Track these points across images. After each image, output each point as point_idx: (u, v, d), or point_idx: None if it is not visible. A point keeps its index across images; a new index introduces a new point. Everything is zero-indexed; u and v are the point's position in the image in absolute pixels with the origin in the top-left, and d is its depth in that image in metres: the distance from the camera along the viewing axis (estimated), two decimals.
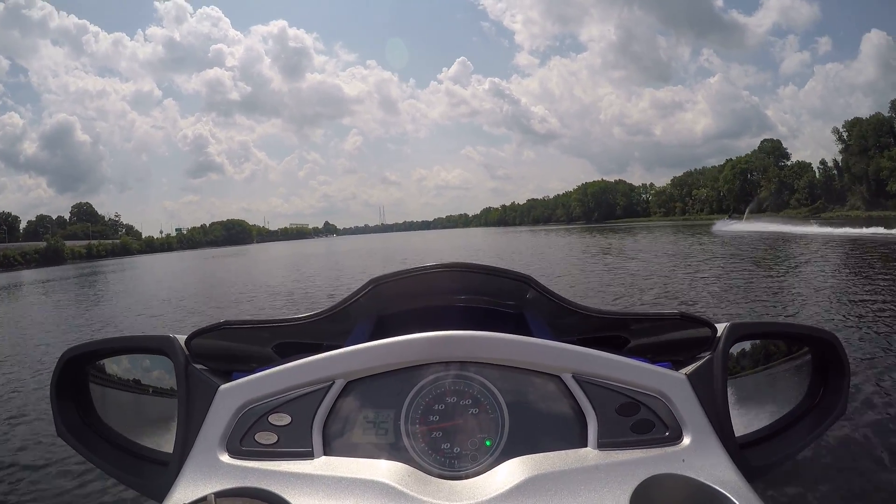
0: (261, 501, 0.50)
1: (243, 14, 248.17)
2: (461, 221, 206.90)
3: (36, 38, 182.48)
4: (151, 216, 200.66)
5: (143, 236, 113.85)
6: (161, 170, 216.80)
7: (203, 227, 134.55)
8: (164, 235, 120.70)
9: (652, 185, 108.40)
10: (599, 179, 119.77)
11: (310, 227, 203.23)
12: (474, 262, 0.79)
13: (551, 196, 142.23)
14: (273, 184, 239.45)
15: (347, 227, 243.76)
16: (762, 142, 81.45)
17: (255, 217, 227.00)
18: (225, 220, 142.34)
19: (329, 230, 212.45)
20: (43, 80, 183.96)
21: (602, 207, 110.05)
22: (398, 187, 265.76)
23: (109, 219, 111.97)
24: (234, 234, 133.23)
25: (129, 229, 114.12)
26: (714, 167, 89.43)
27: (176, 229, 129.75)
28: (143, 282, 24.16)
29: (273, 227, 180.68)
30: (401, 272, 0.77)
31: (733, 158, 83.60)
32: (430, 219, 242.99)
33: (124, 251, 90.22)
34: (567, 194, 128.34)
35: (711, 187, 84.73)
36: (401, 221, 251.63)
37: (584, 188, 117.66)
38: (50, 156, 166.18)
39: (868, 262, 12.66)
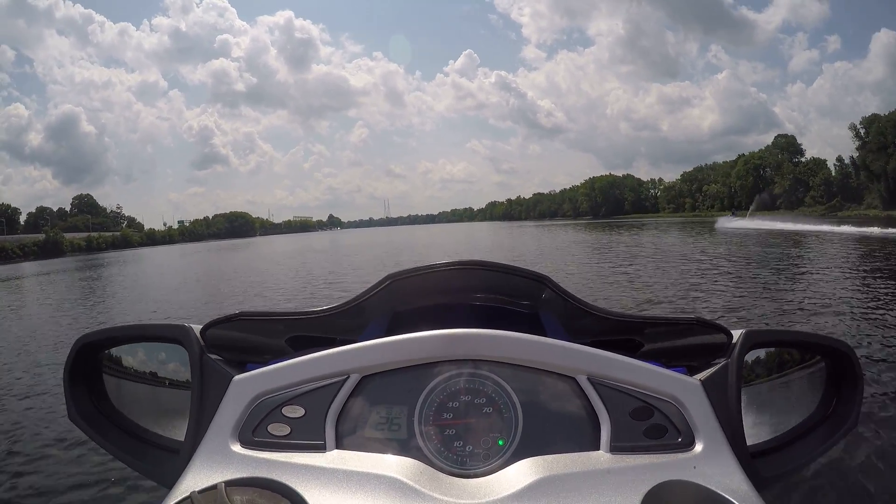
0: (272, 492, 0.50)
1: (250, 4, 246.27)
2: (466, 215, 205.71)
3: (41, 27, 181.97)
4: (157, 208, 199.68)
5: (146, 228, 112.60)
6: (166, 161, 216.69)
7: (206, 219, 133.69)
8: (166, 228, 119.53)
9: (661, 180, 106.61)
10: (607, 174, 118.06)
11: (314, 219, 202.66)
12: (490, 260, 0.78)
13: (557, 190, 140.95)
14: (278, 176, 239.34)
15: (352, 220, 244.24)
16: (776, 137, 79.22)
17: (259, 209, 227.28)
18: (228, 212, 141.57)
19: (333, 223, 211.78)
20: (48, 71, 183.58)
21: (610, 202, 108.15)
22: (403, 180, 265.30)
23: (111, 211, 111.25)
24: (237, 226, 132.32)
25: (131, 221, 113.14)
26: (725, 162, 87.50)
27: (178, 221, 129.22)
28: (144, 275, 23.23)
29: (277, 219, 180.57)
30: (417, 269, 0.76)
31: (746, 154, 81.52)
32: (435, 212, 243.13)
33: (125, 244, 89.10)
34: (574, 189, 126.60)
35: (723, 183, 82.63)
36: (405, 215, 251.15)
37: (592, 182, 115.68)
38: (55, 147, 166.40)
39: (890, 266, 11.79)
